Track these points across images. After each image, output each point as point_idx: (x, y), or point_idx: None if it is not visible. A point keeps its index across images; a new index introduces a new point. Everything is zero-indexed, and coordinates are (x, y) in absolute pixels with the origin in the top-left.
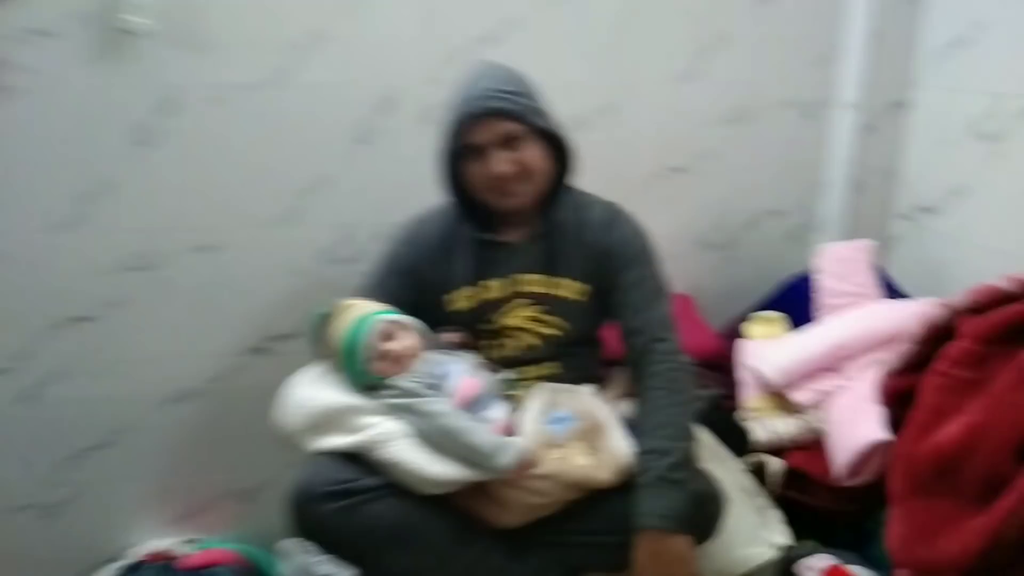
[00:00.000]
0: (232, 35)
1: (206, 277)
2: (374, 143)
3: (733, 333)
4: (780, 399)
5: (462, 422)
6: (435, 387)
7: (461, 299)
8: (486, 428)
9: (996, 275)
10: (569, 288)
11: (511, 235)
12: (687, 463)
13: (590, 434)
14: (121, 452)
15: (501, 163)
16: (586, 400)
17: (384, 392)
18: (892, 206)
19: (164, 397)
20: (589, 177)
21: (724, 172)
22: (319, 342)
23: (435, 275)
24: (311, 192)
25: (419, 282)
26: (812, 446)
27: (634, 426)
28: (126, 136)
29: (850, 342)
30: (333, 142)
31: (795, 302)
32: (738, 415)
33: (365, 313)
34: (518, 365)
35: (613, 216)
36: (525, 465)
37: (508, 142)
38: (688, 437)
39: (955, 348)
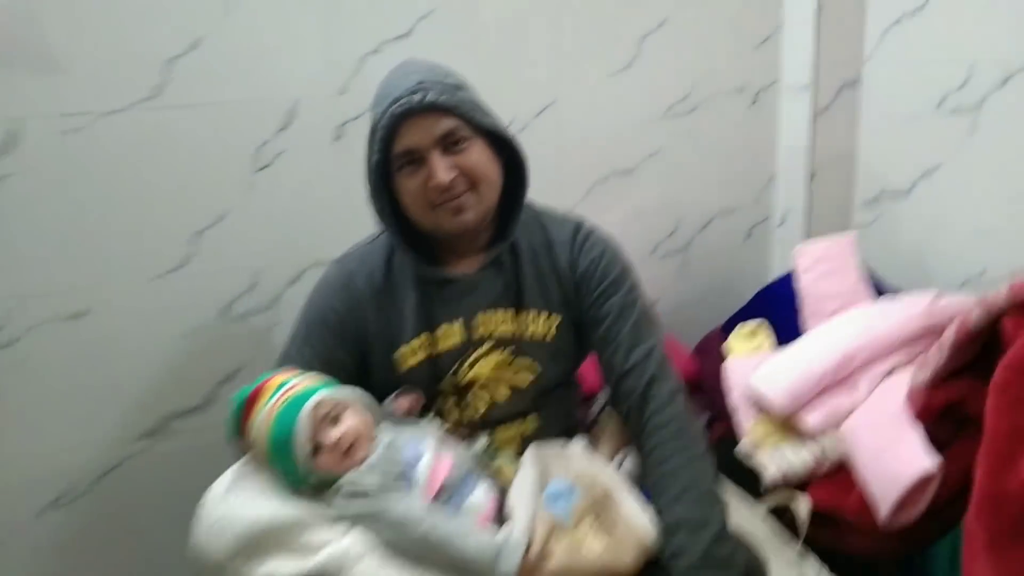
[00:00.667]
0: (89, 50)
1: (78, 350)
2: (277, 167)
3: (709, 350)
4: (785, 424)
5: (444, 526)
6: (399, 476)
7: (413, 354)
8: (473, 526)
9: (980, 258)
10: (539, 323)
11: (463, 267)
12: (728, 533)
13: (599, 507)
14: None
15: (443, 169)
16: (583, 462)
17: (336, 495)
18: (855, 193)
19: (41, 504)
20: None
21: (672, 171)
22: (242, 435)
23: (378, 328)
24: (204, 232)
25: (359, 340)
26: (833, 476)
27: (644, 487)
28: None
29: (856, 351)
30: (227, 169)
31: (774, 309)
32: (741, 448)
33: (296, 392)
34: (490, 426)
35: (583, 233)
36: (531, 567)
37: (448, 144)
38: (719, 499)
39: (1016, 356)
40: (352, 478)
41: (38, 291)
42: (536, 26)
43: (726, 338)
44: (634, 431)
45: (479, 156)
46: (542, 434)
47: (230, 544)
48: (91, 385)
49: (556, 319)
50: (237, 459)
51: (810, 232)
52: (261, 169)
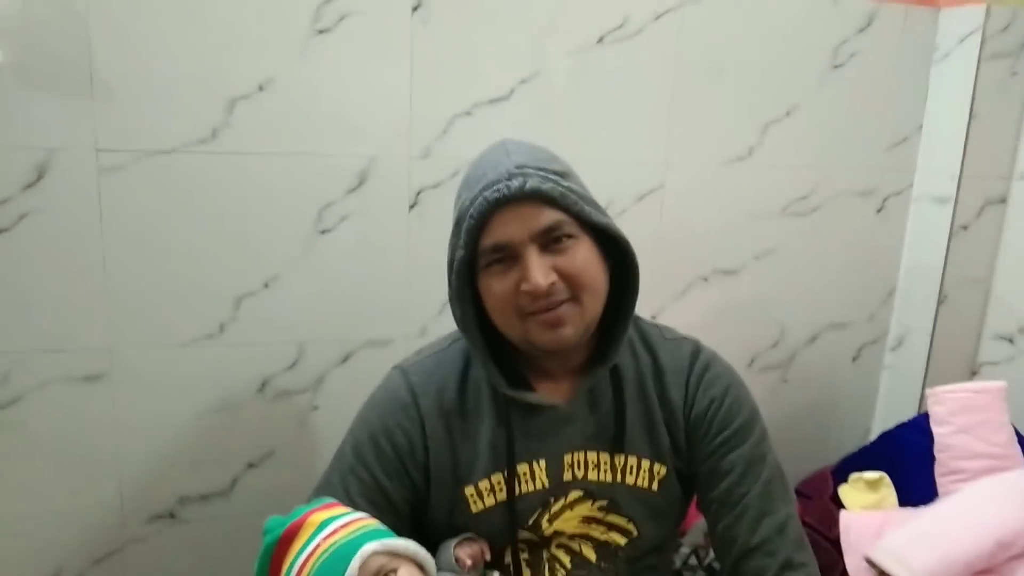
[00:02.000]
0: (139, 80)
1: (87, 416)
2: (340, 232)
3: (818, 494)
4: None
5: None
6: None
7: (484, 496)
8: None
9: None
10: (641, 474)
11: (552, 394)
12: None
13: None
14: None
15: (540, 270)
16: None
17: None
18: (986, 324)
19: None
20: None
21: (781, 275)
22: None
23: (445, 459)
24: (246, 298)
25: (419, 473)
26: None
27: None
28: None
29: (1015, 536)
30: (283, 229)
31: (899, 459)
32: None
33: (343, 539)
34: None
35: (701, 362)
36: None
37: (549, 242)
38: None
39: None
40: None
41: (48, 346)
42: (652, 100)
43: (837, 483)
44: None
45: (585, 258)
46: None
47: None
48: (98, 456)
49: (661, 470)
50: None
51: (929, 361)
52: (322, 233)
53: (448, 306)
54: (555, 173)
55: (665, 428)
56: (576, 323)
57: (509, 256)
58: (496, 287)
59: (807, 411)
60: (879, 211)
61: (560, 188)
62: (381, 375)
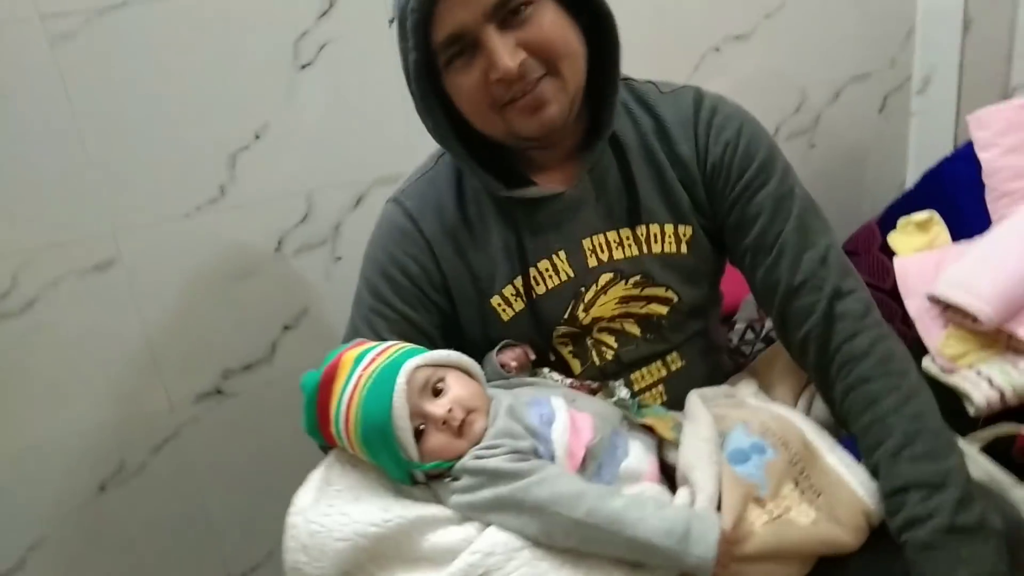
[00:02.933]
0: None
1: (107, 307)
2: (321, 64)
3: (865, 248)
4: (989, 338)
5: (609, 504)
6: (531, 449)
7: (510, 303)
8: (646, 499)
9: None
10: (666, 239)
11: (554, 182)
12: (973, 490)
13: (800, 466)
14: None
15: (505, 52)
16: (766, 410)
17: (457, 484)
18: (1016, 44)
19: (90, 487)
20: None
21: (794, 32)
22: (322, 426)
23: (461, 276)
24: (239, 154)
25: (440, 295)
26: None
27: (844, 438)
28: None
29: None
30: (260, 71)
31: (945, 196)
32: (929, 369)
33: (383, 362)
34: (622, 373)
35: (707, 107)
36: (729, 549)
37: (507, 15)
38: (953, 446)
39: None
40: (474, 460)
41: (49, 240)
42: None
43: (885, 233)
44: (817, 365)
45: (552, 23)
46: (688, 375)
47: (335, 565)
48: (130, 345)
49: (687, 231)
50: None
51: (960, 98)
52: (303, 68)
53: None
54: None
55: (682, 186)
56: (559, 99)
57: (468, 45)
58: (463, 83)
59: (839, 172)
60: None
61: None
62: None
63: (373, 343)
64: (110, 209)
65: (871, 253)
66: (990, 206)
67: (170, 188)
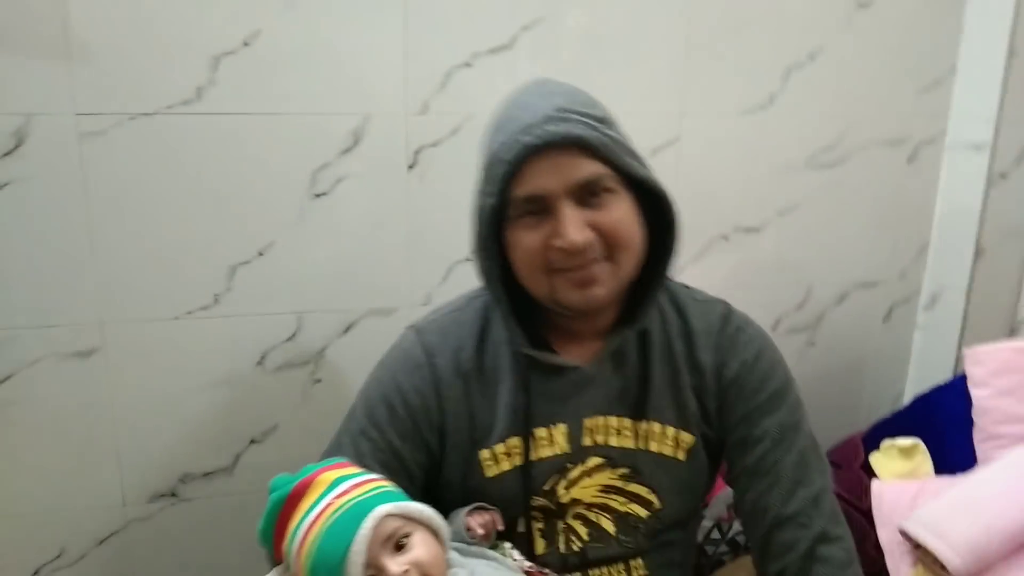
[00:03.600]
0: (118, 40)
1: (82, 394)
2: (336, 196)
3: (846, 461)
4: None
5: None
6: None
7: (500, 460)
8: None
9: None
10: (665, 442)
11: (575, 354)
12: None
13: None
14: None
15: (575, 226)
16: None
17: None
18: None
19: (33, 566)
20: None
21: (807, 231)
22: (277, 539)
23: (460, 422)
24: (240, 267)
25: (433, 435)
26: None
27: None
28: None
29: None
30: (276, 193)
31: (933, 425)
32: None
33: (355, 499)
34: (584, 566)
35: (733, 324)
36: None
37: (586, 194)
38: None
39: None
40: None
41: (38, 321)
42: (663, 47)
43: (868, 451)
44: None
45: (624, 215)
46: None
47: None
48: (96, 435)
49: (688, 440)
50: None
51: (965, 320)
52: (317, 196)
53: (452, 273)
54: (596, 119)
55: (693, 393)
56: (608, 283)
57: (542, 208)
58: (525, 240)
59: (836, 375)
60: (910, 160)
61: (603, 137)
62: (385, 346)
63: (355, 470)
64: (103, 300)
65: (852, 469)
66: (977, 445)
67: (166, 289)
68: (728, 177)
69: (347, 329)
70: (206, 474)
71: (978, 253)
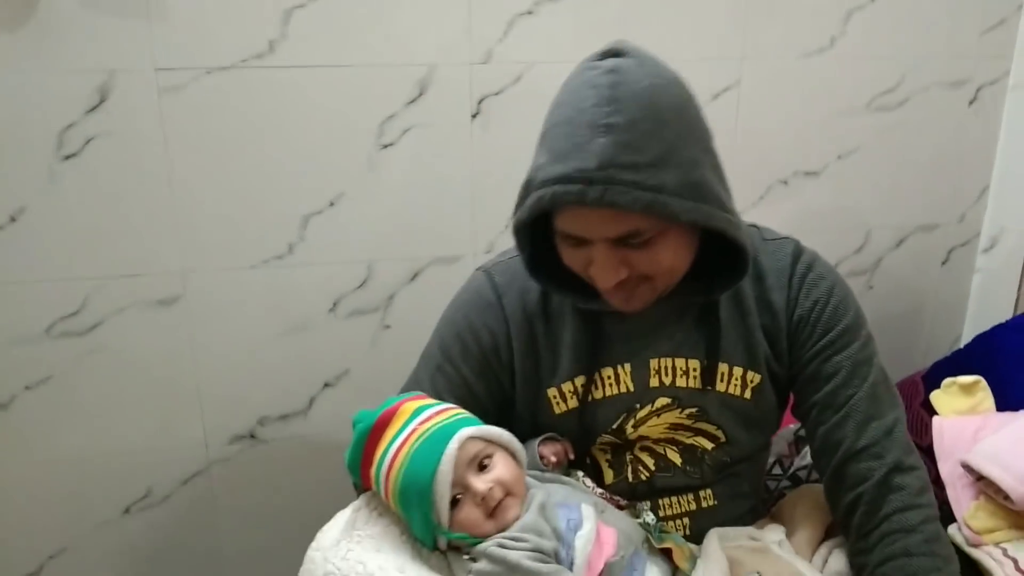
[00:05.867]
0: None
1: (165, 340)
2: (402, 146)
3: (907, 401)
4: (1019, 518)
5: None
6: (553, 550)
7: (569, 396)
8: None
9: None
10: (734, 382)
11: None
12: None
13: None
14: None
15: (610, 270)
16: (786, 564)
17: (473, 562)
18: None
19: (121, 505)
20: None
21: (867, 175)
22: (364, 467)
23: (527, 360)
24: (313, 217)
25: (504, 371)
26: None
27: None
28: (44, 145)
29: None
30: (345, 145)
31: (995, 363)
32: (954, 536)
33: (439, 424)
34: (652, 496)
35: (804, 262)
36: None
37: (627, 240)
38: None
39: None
40: (497, 546)
41: (122, 271)
42: None
43: (928, 390)
44: (861, 526)
45: (664, 255)
46: (716, 515)
47: None
48: (179, 380)
49: (755, 378)
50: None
51: None
52: (384, 147)
53: None
54: (648, 166)
55: (763, 333)
56: (648, 298)
57: (581, 241)
58: (566, 254)
59: (894, 319)
60: (972, 102)
61: (645, 198)
62: (450, 293)
63: (434, 400)
64: (184, 250)
65: (912, 408)
66: None
67: (242, 239)
68: (788, 121)
69: (413, 277)
70: (282, 416)
71: None
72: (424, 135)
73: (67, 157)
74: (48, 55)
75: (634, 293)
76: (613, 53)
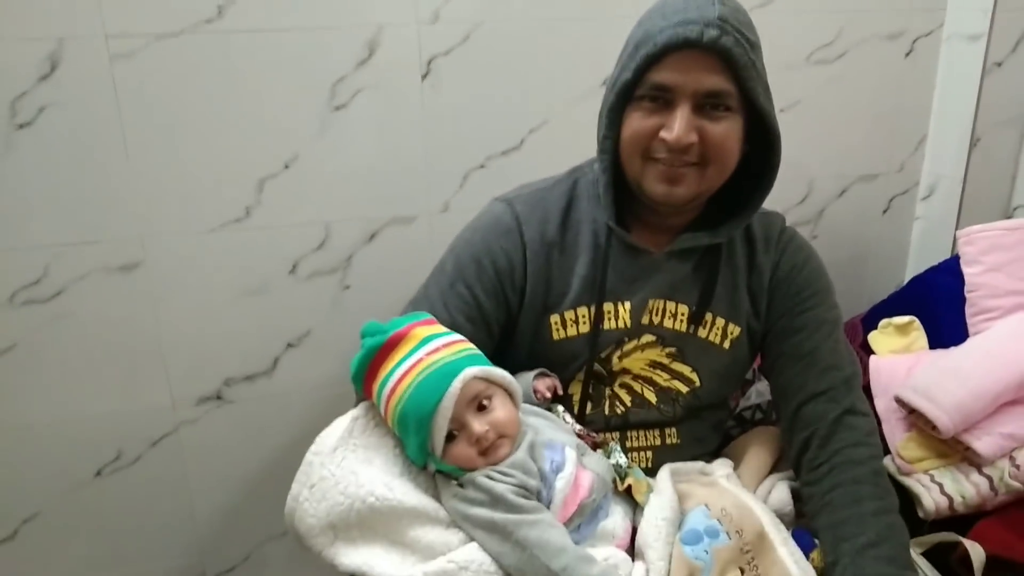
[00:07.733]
0: None
1: (128, 306)
2: (354, 108)
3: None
4: (946, 447)
5: (585, 569)
6: (535, 489)
7: (571, 325)
8: (616, 573)
9: None
10: (715, 331)
11: (650, 242)
12: None
13: (749, 553)
14: (25, 548)
15: (686, 126)
16: (728, 494)
17: (460, 490)
18: (1021, 165)
19: (91, 469)
20: None
21: (808, 128)
22: (369, 380)
23: (539, 286)
24: (268, 180)
25: (515, 295)
26: (1006, 514)
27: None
28: None
29: None
30: (297, 107)
31: (928, 303)
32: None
33: (446, 359)
34: (623, 428)
35: (787, 234)
36: None
37: (707, 104)
38: (912, 566)
39: None
40: (486, 477)
41: (82, 239)
42: None
43: (867, 331)
44: (812, 459)
45: (730, 134)
46: (677, 453)
47: (325, 515)
48: (143, 344)
49: (735, 331)
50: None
51: (961, 209)
52: (337, 109)
53: (468, 180)
54: (749, 42)
55: (747, 292)
56: (691, 186)
57: (665, 99)
58: (638, 122)
59: (839, 266)
60: (908, 54)
61: (747, 59)
62: (408, 253)
63: (444, 330)
64: (142, 216)
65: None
66: (968, 320)
67: (200, 204)
68: None
69: (371, 237)
70: (248, 377)
71: (973, 143)
72: (375, 96)
73: (21, 126)
74: None
75: (682, 175)
76: None
